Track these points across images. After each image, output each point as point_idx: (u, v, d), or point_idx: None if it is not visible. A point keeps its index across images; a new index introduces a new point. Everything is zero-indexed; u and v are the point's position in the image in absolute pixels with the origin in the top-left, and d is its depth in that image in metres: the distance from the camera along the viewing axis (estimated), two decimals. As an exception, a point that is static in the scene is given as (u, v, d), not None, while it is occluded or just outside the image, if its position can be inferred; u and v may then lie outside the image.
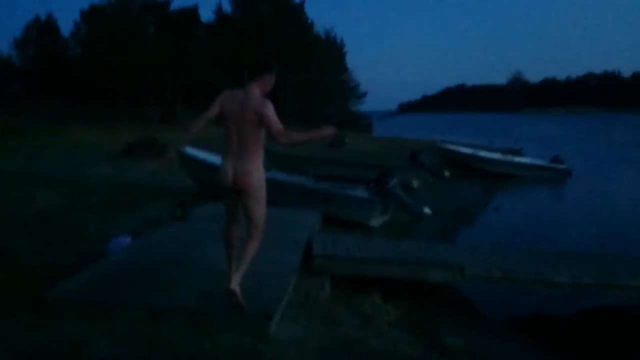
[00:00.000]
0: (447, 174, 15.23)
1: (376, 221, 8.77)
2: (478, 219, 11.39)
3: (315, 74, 45.51)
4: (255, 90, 4.02)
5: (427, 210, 9.53)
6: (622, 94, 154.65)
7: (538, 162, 19.41)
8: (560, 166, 18.72)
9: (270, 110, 3.90)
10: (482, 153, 19.77)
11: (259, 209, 4.12)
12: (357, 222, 8.54)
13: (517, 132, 56.91)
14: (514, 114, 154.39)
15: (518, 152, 25.03)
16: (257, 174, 4.02)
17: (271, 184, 9.71)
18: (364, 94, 59.32)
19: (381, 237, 8.49)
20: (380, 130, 46.00)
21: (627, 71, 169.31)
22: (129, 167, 14.25)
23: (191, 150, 10.56)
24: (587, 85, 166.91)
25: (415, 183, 12.70)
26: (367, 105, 62.50)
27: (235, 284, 4.00)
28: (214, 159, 10.72)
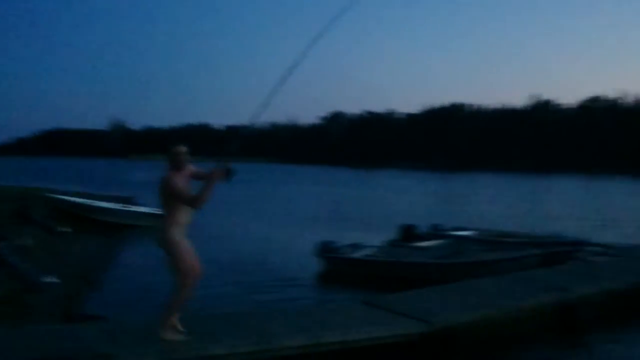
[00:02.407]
0: (64, 229, 13.42)
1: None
2: (107, 280, 10.32)
3: None
4: (169, 172, 4.92)
5: (50, 278, 7.94)
6: (214, 143, 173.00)
7: (155, 210, 19.30)
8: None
9: (175, 185, 4.82)
10: (98, 203, 18.49)
11: (175, 263, 4.89)
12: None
13: (124, 178, 56.54)
14: (120, 159, 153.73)
15: (131, 201, 24.48)
16: (165, 237, 4.87)
17: None
18: None
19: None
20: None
21: (218, 124, 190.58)
22: None
23: None
24: (188, 135, 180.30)
25: (29, 242, 10.67)
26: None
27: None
28: None
